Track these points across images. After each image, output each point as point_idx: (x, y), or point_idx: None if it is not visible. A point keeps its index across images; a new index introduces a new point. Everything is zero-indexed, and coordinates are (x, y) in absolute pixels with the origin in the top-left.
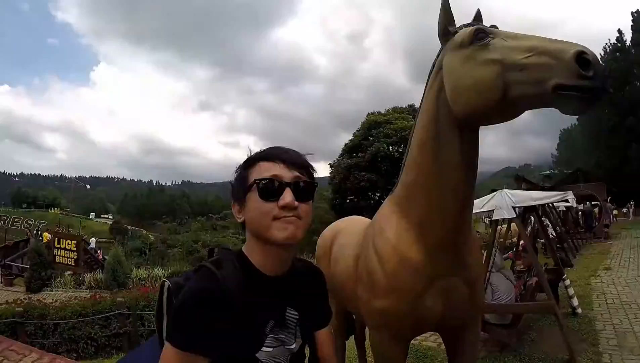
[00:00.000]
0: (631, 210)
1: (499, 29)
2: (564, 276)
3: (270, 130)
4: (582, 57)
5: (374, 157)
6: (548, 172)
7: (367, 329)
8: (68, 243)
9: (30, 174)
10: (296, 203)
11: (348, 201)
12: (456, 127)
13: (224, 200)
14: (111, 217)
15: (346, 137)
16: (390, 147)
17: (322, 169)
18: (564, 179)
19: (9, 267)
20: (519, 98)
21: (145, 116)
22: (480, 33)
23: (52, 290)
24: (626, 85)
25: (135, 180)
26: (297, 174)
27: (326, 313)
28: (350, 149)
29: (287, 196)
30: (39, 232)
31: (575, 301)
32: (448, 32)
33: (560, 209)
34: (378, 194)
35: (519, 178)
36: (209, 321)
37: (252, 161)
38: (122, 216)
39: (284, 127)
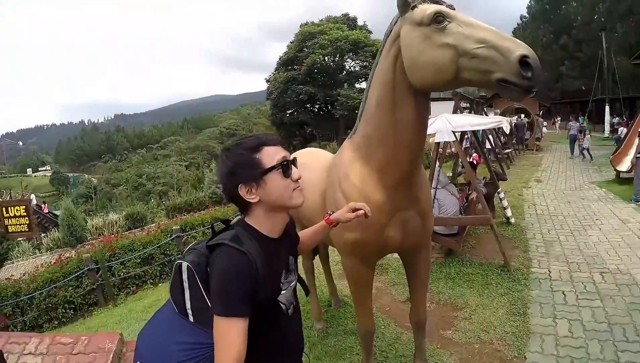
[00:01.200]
0: (557, 124)
1: (455, 9)
2: (499, 190)
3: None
4: (524, 60)
5: (310, 69)
6: None
7: (330, 250)
8: (17, 210)
9: None
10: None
11: (288, 114)
12: (411, 91)
13: (161, 128)
14: (49, 168)
15: (279, 48)
16: (326, 58)
17: (259, 83)
18: (497, 93)
19: None
20: (468, 80)
21: (54, 50)
22: (439, 16)
23: (13, 263)
24: (562, 4)
25: (66, 123)
26: (287, 151)
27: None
28: (285, 63)
29: (297, 171)
30: None
31: (508, 212)
32: (407, 4)
33: None
34: (317, 106)
35: (456, 93)
36: (247, 289)
37: (258, 146)
38: (61, 165)
39: (212, 46)
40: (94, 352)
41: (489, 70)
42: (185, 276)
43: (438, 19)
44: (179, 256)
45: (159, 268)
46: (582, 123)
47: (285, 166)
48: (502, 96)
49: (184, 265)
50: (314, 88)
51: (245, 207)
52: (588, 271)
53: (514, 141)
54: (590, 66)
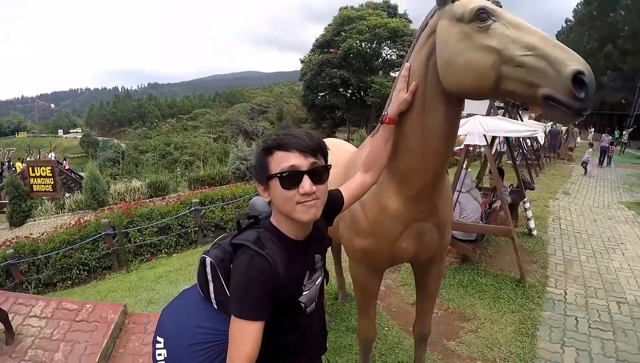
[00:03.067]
0: (591, 135)
1: (502, 6)
2: (525, 199)
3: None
4: (579, 76)
5: (346, 53)
6: None
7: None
8: (43, 170)
9: None
10: (314, 188)
11: (320, 97)
12: (443, 96)
13: (193, 99)
14: (80, 131)
15: (316, 30)
16: (363, 44)
17: (293, 62)
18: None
19: None
20: (510, 92)
21: (96, 17)
22: (483, 13)
23: (35, 220)
24: (611, 12)
25: (100, 88)
26: (313, 160)
27: (337, 203)
28: (321, 45)
29: (306, 185)
30: (11, 162)
31: (532, 224)
32: None
33: None
34: (350, 91)
35: (491, 104)
36: (266, 295)
37: (270, 149)
38: (91, 128)
39: (249, 24)
40: (97, 320)
41: (535, 83)
42: (208, 270)
43: (481, 16)
44: (205, 251)
45: (175, 239)
46: (617, 137)
47: (285, 178)
48: (547, 116)
49: (208, 260)
50: (348, 73)
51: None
52: (605, 299)
53: (546, 148)
54: (633, 80)
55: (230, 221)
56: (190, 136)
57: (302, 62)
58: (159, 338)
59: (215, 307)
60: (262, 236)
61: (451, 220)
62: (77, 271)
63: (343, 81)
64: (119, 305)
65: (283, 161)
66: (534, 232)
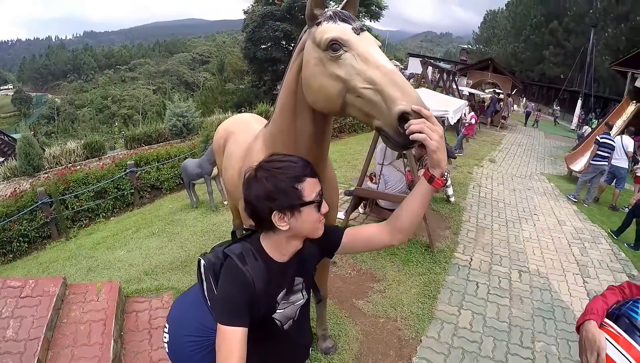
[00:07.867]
0: (522, 104)
1: (364, 31)
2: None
3: None
4: (405, 115)
5: (291, 6)
6: (467, 47)
7: None
8: None
9: None
10: None
11: (262, 49)
12: (310, 107)
13: (132, 49)
14: (11, 87)
15: None
16: None
17: (238, 11)
18: (474, 65)
19: None
20: (353, 116)
21: None
22: (335, 44)
23: None
24: None
25: (32, 39)
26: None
27: (335, 239)
28: None
29: (326, 205)
30: None
31: (450, 191)
32: (314, 17)
33: (464, 93)
34: (292, 44)
35: (425, 61)
36: (244, 304)
37: (300, 177)
38: (23, 84)
39: None
40: (40, 295)
41: (370, 114)
42: (202, 271)
43: (333, 47)
44: (203, 253)
45: (112, 202)
46: (554, 108)
47: (320, 201)
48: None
49: (201, 262)
50: (292, 26)
51: (267, 228)
52: (508, 267)
53: (482, 115)
54: (574, 57)
55: (166, 181)
56: (128, 89)
57: (245, 13)
58: (166, 324)
59: (209, 304)
60: (246, 252)
61: (336, 205)
62: (18, 244)
63: (285, 34)
64: (58, 278)
65: (315, 187)
66: (452, 199)
